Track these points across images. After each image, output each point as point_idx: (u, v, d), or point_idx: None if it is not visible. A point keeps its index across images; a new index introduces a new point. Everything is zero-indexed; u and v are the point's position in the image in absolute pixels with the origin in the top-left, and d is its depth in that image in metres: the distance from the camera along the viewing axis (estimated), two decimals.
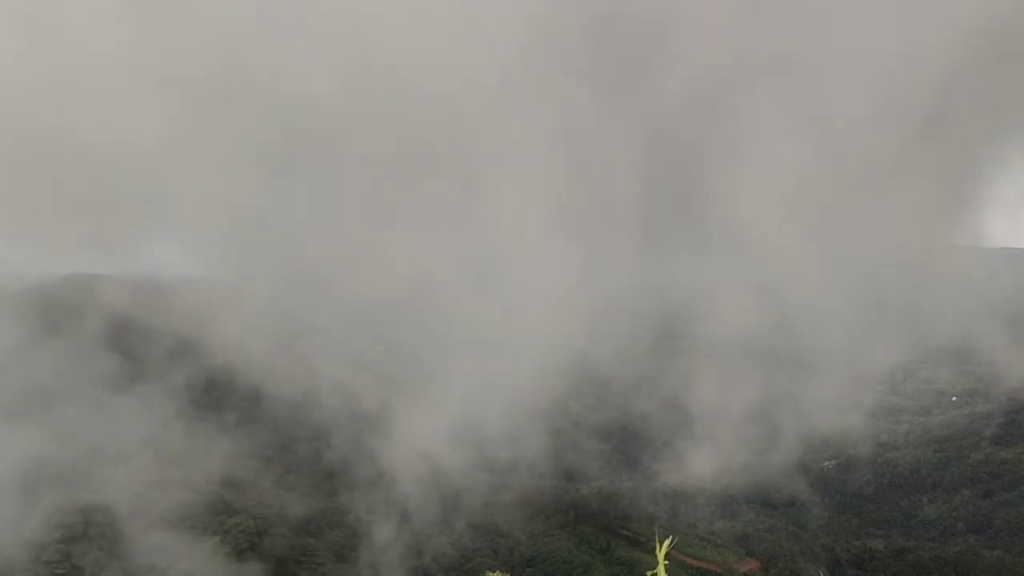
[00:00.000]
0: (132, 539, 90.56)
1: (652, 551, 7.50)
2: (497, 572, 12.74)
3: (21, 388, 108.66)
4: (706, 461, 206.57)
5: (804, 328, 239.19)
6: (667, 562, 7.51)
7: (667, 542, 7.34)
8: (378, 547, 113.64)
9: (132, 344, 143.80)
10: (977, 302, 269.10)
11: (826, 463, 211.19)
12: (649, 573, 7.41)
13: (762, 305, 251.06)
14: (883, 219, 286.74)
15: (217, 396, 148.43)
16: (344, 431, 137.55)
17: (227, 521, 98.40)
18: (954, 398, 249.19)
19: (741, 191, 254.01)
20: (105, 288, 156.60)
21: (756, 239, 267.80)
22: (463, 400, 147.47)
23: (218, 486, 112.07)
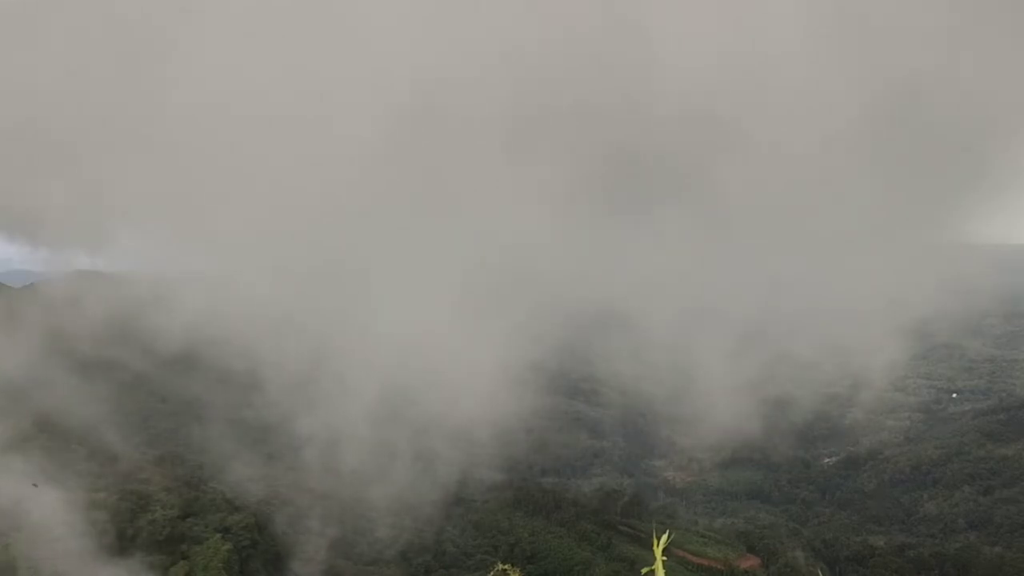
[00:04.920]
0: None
1: (652, 547, 7.37)
2: (508, 565, 12.42)
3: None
4: (706, 458, 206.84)
5: (804, 326, 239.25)
6: (666, 559, 7.39)
7: (664, 537, 7.22)
8: (379, 544, 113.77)
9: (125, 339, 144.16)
10: (978, 299, 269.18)
11: (826, 460, 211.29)
12: (646, 570, 7.29)
13: (762, 301, 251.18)
14: (884, 216, 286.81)
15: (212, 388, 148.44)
16: (341, 428, 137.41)
17: (228, 518, 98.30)
18: (954, 395, 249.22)
19: (745, 183, 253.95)
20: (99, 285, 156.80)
21: (758, 232, 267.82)
22: (463, 399, 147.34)
23: (218, 483, 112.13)
